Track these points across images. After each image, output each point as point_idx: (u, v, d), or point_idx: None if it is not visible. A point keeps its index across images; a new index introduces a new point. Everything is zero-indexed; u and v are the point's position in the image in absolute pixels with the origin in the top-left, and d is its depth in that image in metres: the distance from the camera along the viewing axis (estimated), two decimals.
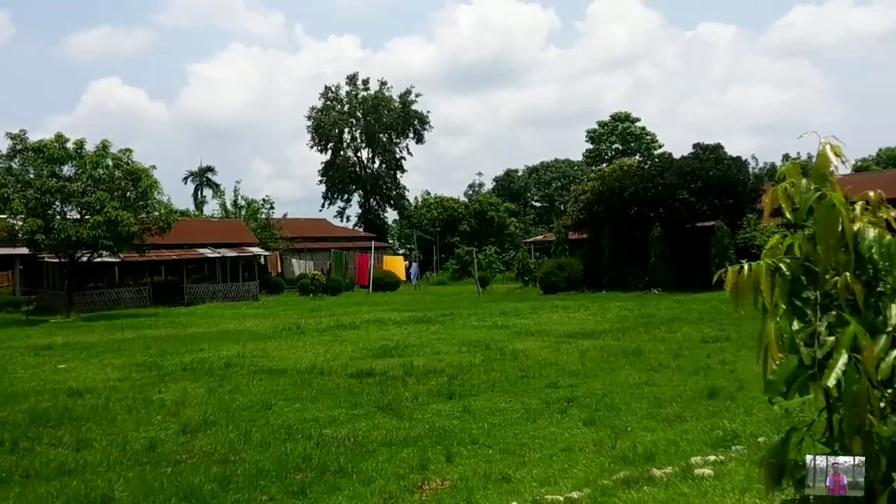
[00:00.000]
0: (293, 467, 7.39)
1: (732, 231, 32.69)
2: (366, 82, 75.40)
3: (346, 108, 75.12)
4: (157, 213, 33.83)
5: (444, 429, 8.72)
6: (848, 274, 2.27)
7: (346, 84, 75.70)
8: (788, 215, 2.39)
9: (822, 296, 2.30)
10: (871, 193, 2.43)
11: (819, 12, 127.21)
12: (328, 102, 74.75)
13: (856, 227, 2.30)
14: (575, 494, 5.97)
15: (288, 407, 10.47)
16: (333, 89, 75.25)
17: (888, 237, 2.32)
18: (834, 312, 2.26)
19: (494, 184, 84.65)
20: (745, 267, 2.39)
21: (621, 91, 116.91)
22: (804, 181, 2.36)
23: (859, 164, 63.53)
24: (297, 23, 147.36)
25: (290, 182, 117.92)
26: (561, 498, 5.89)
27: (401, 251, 68.61)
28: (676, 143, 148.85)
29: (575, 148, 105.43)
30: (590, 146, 73.46)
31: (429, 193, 78.20)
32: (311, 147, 74.87)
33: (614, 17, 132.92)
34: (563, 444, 7.82)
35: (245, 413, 10.14)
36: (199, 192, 73.67)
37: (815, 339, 2.22)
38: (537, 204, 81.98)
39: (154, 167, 33.58)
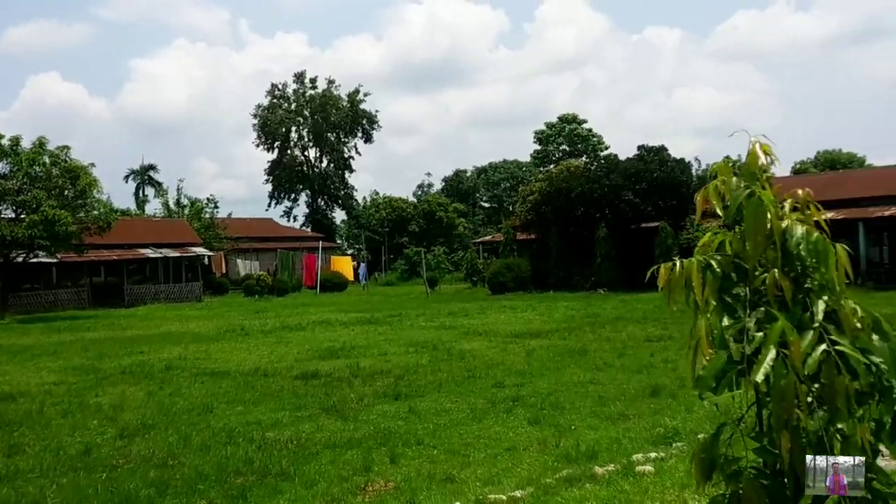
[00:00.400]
0: (234, 471, 7.25)
1: (676, 231, 33.31)
2: (313, 81, 74.75)
3: (293, 106, 74.34)
4: (96, 213, 33.08)
5: (389, 430, 8.68)
6: (776, 270, 2.30)
7: (294, 82, 75.00)
8: (719, 212, 2.42)
9: (752, 292, 2.32)
10: (800, 192, 2.47)
11: (761, 17, 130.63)
12: (275, 100, 73.86)
13: (784, 224, 2.33)
14: (518, 493, 5.99)
15: (230, 410, 10.30)
16: (280, 87, 74.47)
17: (816, 234, 2.36)
18: (763, 308, 2.29)
19: (443, 184, 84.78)
20: (678, 264, 2.41)
21: (569, 93, 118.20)
22: (734, 179, 2.39)
23: (798, 166, 65.37)
24: (242, 19, 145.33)
25: (236, 181, 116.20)
26: (504, 497, 5.90)
27: (349, 251, 68.14)
28: (622, 144, 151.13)
29: (523, 149, 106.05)
30: (537, 147, 74.09)
31: (377, 193, 78.01)
32: (257, 146, 73.94)
33: (562, 19, 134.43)
34: (507, 444, 7.84)
35: (185, 416, 9.94)
36: (140, 191, 71.92)
37: (745, 334, 2.24)
38: (486, 204, 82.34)
39: (93, 165, 33.06)
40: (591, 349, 14.73)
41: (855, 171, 47.60)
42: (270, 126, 71.97)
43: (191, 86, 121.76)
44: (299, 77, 74.86)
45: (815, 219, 2.44)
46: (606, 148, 70.04)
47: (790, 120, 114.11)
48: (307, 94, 74.31)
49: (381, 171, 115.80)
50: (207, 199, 54.45)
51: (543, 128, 73.61)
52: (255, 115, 73.25)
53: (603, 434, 8.03)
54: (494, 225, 67.88)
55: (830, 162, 65.33)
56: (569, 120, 72.63)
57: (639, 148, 37.89)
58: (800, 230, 2.33)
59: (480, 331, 19.08)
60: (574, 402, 9.76)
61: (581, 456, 7.11)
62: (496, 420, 8.99)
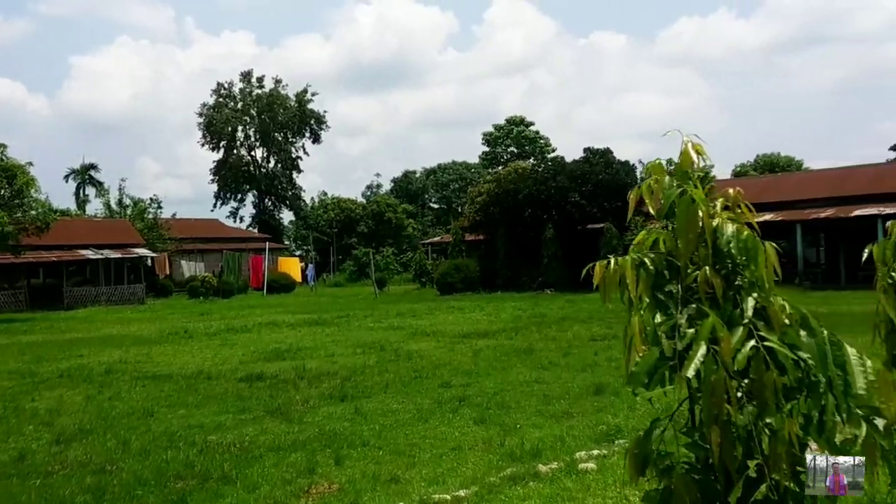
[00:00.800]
0: (174, 475, 7.10)
1: (621, 232, 33.77)
2: (260, 80, 73.92)
3: (239, 105, 73.37)
4: (34, 213, 32.24)
5: (335, 431, 8.59)
6: (707, 268, 2.34)
7: (240, 81, 74.07)
8: (652, 211, 2.45)
9: (684, 289, 2.36)
10: (731, 191, 2.51)
11: (704, 24, 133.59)
12: (220, 99, 72.80)
13: (715, 222, 2.38)
14: (462, 493, 5.99)
15: (171, 413, 10.08)
16: (226, 86, 73.43)
17: (746, 232, 2.40)
18: (694, 305, 2.33)
19: (392, 185, 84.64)
20: (612, 261, 2.43)
21: (517, 95, 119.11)
22: (667, 178, 2.43)
23: (738, 168, 66.98)
24: (187, 16, 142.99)
25: (180, 181, 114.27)
26: (448, 497, 5.89)
27: (297, 252, 67.50)
28: (569, 147, 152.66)
29: (472, 150, 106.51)
30: (486, 149, 74.49)
31: (326, 194, 77.57)
32: (203, 145, 72.84)
33: (511, 22, 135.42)
34: (453, 444, 7.84)
35: (125, 420, 9.70)
36: (81, 191, 69.97)
37: (677, 331, 2.28)
38: (435, 205, 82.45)
39: (31, 164, 32.27)
40: (537, 349, 14.85)
41: (793, 174, 48.93)
42: (216, 125, 70.91)
43: (134, 84, 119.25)
44: (246, 76, 73.99)
45: (747, 220, 2.49)
46: (553, 150, 70.87)
47: (732, 124, 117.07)
48: (254, 94, 73.44)
49: (330, 172, 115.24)
50: (151, 199, 53.41)
51: (492, 129, 74.03)
52: (200, 115, 72.18)
53: (547, 432, 8.09)
54: (443, 226, 68.01)
55: (769, 165, 67.04)
56: (516, 122, 73.20)
57: (585, 150, 38.39)
58: (730, 228, 2.38)
59: (428, 331, 19.07)
60: (519, 402, 9.81)
61: (525, 454, 7.15)
62: (442, 420, 8.98)
